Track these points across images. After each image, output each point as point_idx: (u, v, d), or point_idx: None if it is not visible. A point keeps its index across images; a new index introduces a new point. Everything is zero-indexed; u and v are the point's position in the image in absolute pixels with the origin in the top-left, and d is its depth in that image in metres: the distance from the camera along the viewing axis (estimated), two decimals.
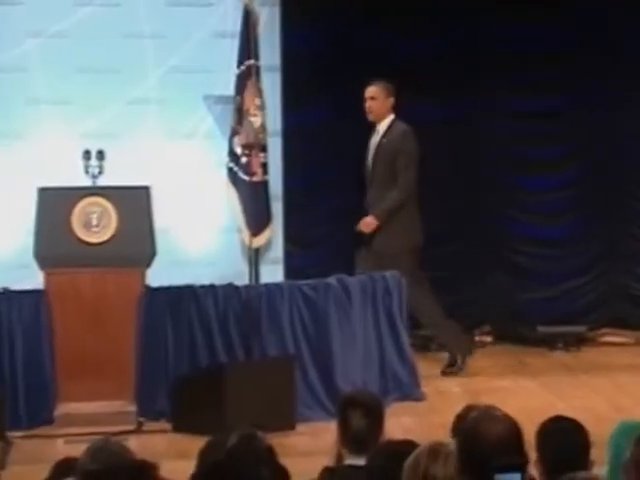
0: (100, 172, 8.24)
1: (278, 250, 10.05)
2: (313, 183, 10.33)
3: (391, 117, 9.17)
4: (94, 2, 9.90)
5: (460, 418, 4.96)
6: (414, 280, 8.88)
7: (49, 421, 7.88)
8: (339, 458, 4.99)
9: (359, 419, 4.96)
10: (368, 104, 9.12)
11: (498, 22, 10.36)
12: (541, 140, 10.65)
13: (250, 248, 9.54)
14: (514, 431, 3.73)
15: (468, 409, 5.01)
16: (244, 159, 9.39)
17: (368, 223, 9.08)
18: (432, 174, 10.39)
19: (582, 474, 3.75)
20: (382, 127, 9.18)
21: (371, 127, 9.25)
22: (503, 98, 10.58)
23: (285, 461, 4.64)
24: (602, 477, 4.19)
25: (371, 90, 9.11)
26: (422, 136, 10.33)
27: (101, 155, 8.26)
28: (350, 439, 4.93)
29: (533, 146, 10.69)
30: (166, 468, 3.75)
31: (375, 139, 9.19)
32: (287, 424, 7.63)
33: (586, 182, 10.76)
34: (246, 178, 9.41)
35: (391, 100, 9.14)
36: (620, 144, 10.68)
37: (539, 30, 10.40)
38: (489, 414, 3.80)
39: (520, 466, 2.82)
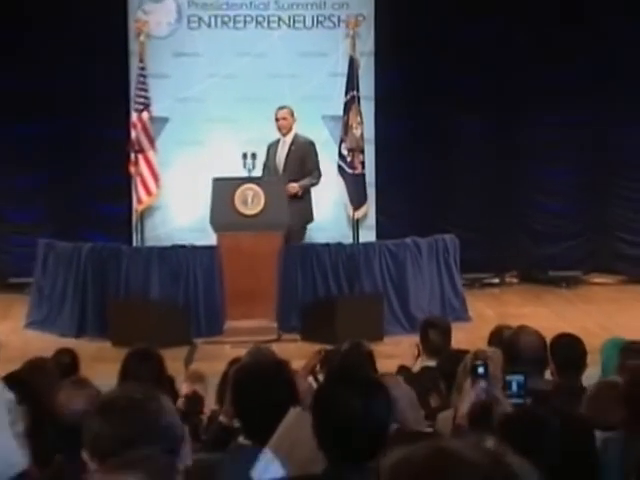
0: (253, 168, 8.26)
1: (371, 220, 10.01)
2: (396, 175, 10.27)
3: (294, 131, 8.71)
4: (250, 54, 9.94)
5: (494, 333, 4.93)
6: None
7: (220, 332, 7.94)
8: (417, 360, 5.00)
9: (436, 336, 4.98)
10: (280, 122, 8.65)
11: (536, 69, 10.20)
12: (553, 146, 10.43)
13: (353, 218, 9.52)
14: (542, 342, 3.70)
15: (499, 327, 4.98)
16: (349, 158, 9.35)
17: (292, 186, 8.51)
18: (480, 169, 10.38)
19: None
20: (288, 139, 8.66)
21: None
22: (534, 114, 10.36)
23: (377, 361, 4.66)
24: (594, 375, 4.12)
25: (283, 113, 8.67)
26: (476, 143, 10.31)
27: (254, 156, 8.28)
28: (429, 349, 4.95)
29: (549, 151, 10.44)
30: (295, 365, 3.80)
31: (284, 149, 8.65)
32: (377, 337, 7.62)
33: (584, 174, 10.57)
34: (350, 171, 9.37)
35: (294, 119, 8.71)
36: (611, 152, 10.47)
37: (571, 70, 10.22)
38: (525, 329, 3.76)
39: (524, 372, 2.78)
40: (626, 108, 10.29)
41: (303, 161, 8.66)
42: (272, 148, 8.76)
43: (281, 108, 8.76)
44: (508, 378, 2.72)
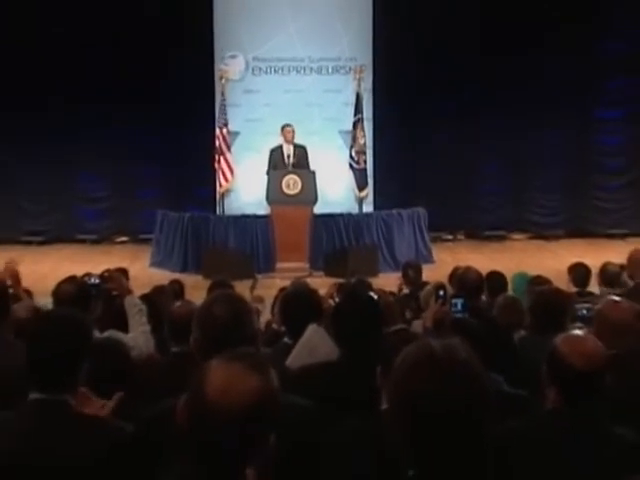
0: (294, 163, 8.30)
1: (370, 198, 9.87)
2: (387, 170, 10.16)
3: (294, 140, 8.45)
4: (292, 91, 9.87)
5: (452, 272, 4.91)
6: None
7: (273, 270, 7.94)
8: (399, 290, 5.01)
9: (413, 273, 4.95)
10: (288, 134, 8.38)
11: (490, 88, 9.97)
12: (490, 149, 10.28)
13: (358, 197, 9.47)
14: (480, 276, 3.70)
15: (455, 268, 4.95)
16: (356, 158, 9.25)
17: None
18: (443, 166, 10.24)
19: None
20: (292, 145, 8.40)
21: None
22: (477, 130, 10.15)
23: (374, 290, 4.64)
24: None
25: (290, 128, 8.42)
26: (441, 150, 10.04)
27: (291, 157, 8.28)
28: (407, 281, 4.93)
29: (487, 153, 10.29)
30: (321, 292, 3.80)
31: (289, 151, 8.40)
32: (374, 274, 7.56)
33: (509, 167, 10.39)
34: (357, 166, 9.30)
35: (294, 132, 8.44)
36: (530, 152, 10.22)
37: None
38: (470, 268, 3.75)
39: (463, 296, 2.78)
40: (541, 117, 10.08)
41: (300, 160, 8.43)
42: (276, 152, 8.48)
43: (287, 125, 8.54)
44: (454, 300, 2.73)
